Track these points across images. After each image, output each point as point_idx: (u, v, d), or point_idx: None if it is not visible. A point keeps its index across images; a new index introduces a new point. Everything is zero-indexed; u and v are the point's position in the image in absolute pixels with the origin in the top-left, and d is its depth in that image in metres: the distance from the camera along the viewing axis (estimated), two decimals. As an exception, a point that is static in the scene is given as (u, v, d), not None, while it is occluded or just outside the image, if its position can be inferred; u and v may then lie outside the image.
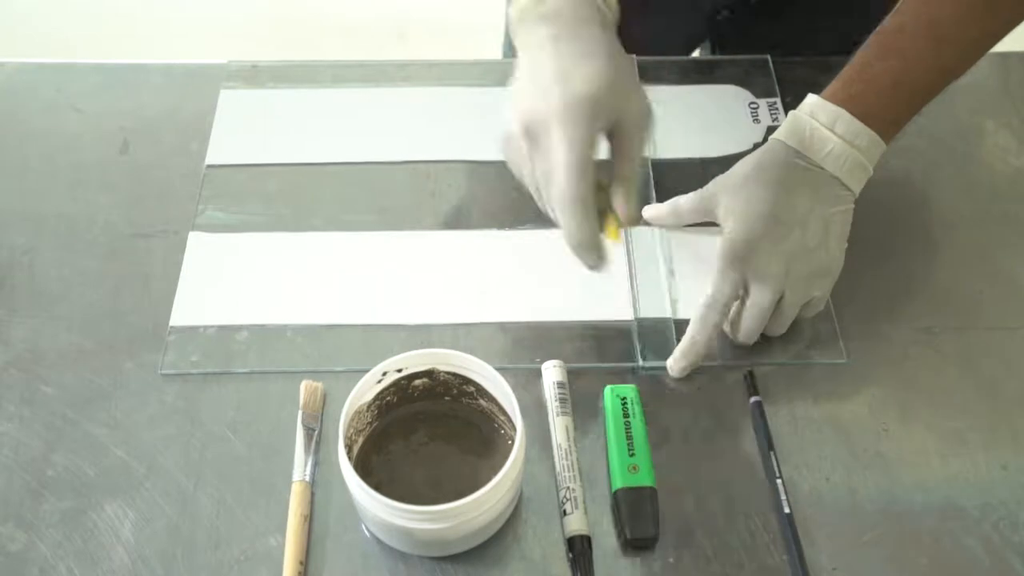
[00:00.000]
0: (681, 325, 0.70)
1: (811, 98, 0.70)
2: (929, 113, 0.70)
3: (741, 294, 0.69)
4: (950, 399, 0.69)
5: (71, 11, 2.08)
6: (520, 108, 0.62)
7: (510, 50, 0.79)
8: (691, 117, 0.86)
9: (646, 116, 0.65)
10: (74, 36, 2.00)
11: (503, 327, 0.72)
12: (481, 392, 0.65)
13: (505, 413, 0.64)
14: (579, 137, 0.60)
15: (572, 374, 0.69)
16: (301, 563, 0.61)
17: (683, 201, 0.74)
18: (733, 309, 0.70)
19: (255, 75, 0.89)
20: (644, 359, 0.70)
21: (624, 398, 0.67)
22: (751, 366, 0.70)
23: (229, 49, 0.97)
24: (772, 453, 0.66)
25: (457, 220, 0.79)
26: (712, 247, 0.70)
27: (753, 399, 0.68)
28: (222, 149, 0.83)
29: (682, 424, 0.68)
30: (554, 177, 0.61)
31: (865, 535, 0.63)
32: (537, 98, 0.61)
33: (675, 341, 0.70)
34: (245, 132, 0.84)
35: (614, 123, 0.63)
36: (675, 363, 0.69)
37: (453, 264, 0.76)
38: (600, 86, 0.61)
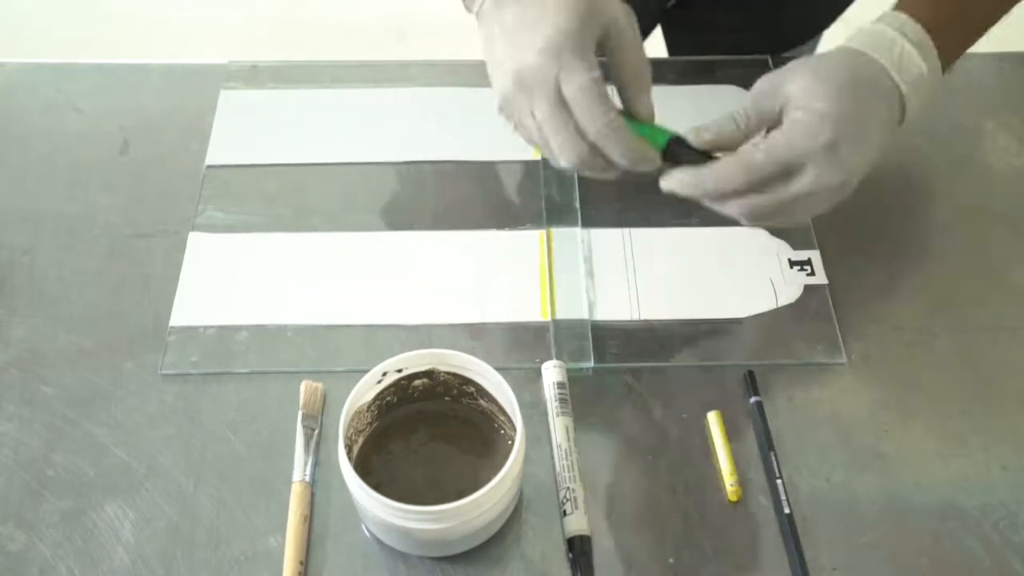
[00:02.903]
0: (597, 326, 0.70)
1: (893, 14, 0.64)
2: (929, 113, 0.69)
3: (758, 136, 0.63)
4: (950, 399, 0.69)
5: (71, 11, 2.08)
6: (506, 66, 0.62)
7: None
8: (691, 117, 0.86)
9: (628, 16, 0.63)
10: (74, 36, 2.00)
11: (502, 327, 0.72)
12: (481, 392, 0.65)
13: (505, 413, 0.64)
14: (580, 66, 0.59)
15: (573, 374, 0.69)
16: (301, 563, 0.61)
17: (734, 118, 0.65)
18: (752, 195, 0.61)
19: (255, 75, 0.89)
20: (561, 360, 0.70)
21: None
22: (751, 366, 0.70)
23: (229, 49, 0.97)
24: (772, 453, 0.66)
25: (456, 220, 0.79)
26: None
27: (753, 399, 0.68)
28: (222, 149, 0.83)
29: (682, 424, 0.68)
30: (562, 115, 0.60)
31: (865, 535, 0.63)
32: (521, 49, 0.61)
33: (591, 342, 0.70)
34: (245, 132, 0.84)
35: (602, 37, 0.62)
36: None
37: (453, 264, 0.76)
38: (577, 13, 0.60)
